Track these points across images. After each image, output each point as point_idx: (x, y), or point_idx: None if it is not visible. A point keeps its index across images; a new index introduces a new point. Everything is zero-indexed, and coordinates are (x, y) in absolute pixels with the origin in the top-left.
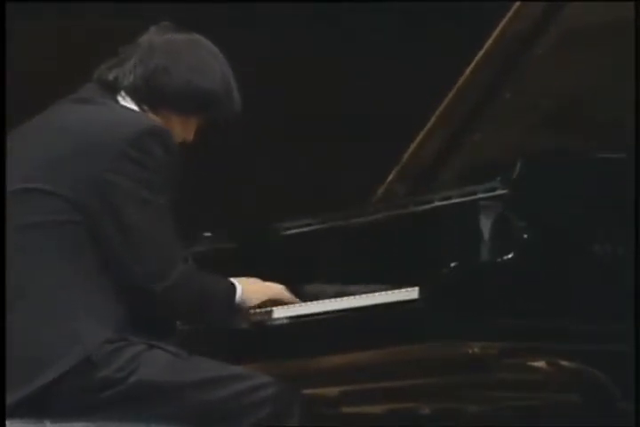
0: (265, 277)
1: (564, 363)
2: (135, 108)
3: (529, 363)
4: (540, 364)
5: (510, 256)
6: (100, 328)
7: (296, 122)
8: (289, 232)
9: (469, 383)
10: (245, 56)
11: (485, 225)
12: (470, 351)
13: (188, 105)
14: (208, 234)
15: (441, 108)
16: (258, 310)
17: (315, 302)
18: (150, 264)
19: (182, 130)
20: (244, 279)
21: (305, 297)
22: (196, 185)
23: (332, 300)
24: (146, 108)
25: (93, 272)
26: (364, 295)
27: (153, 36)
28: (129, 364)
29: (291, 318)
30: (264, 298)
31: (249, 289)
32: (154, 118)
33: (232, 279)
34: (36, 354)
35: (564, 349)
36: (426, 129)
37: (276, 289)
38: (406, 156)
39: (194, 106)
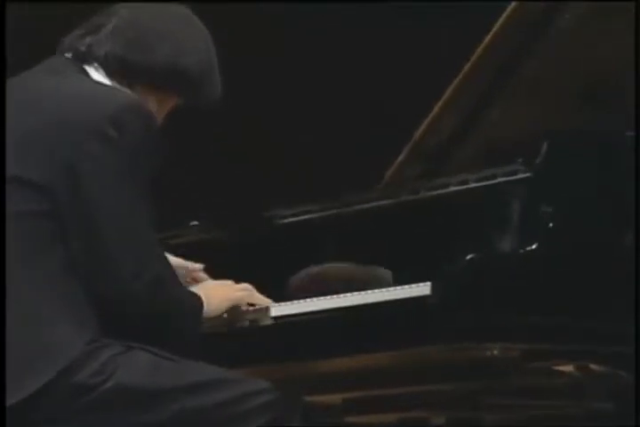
0: (258, 271)
1: (595, 367)
2: (107, 81)
3: (555, 367)
4: (568, 368)
5: (534, 247)
6: (78, 331)
7: (292, 98)
8: (285, 221)
9: (487, 390)
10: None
11: (506, 213)
12: (489, 354)
13: (170, 84)
14: (194, 223)
15: (456, 81)
16: (251, 308)
17: (314, 300)
18: (124, 263)
19: (157, 110)
20: (204, 285)
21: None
22: (180, 169)
23: (334, 297)
24: (120, 82)
25: (68, 268)
26: (369, 292)
27: (135, 5)
28: (105, 367)
29: (288, 316)
30: (226, 304)
31: (208, 295)
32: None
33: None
34: (10, 366)
35: (594, 351)
36: (440, 104)
37: (238, 292)
38: (417, 134)
39: (176, 85)
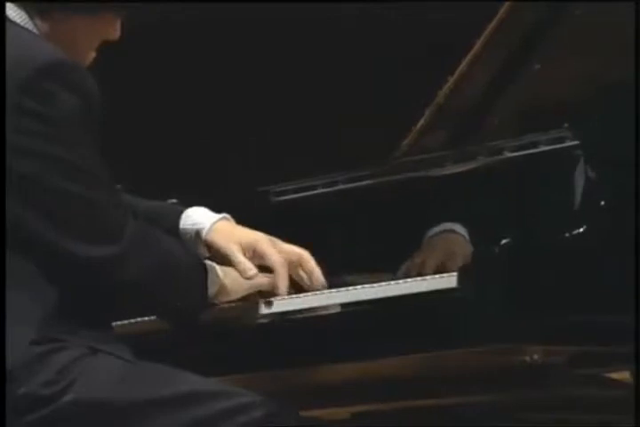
0: None
1: None
2: (23, 18)
3: (607, 374)
4: (623, 375)
5: (581, 230)
6: (21, 326)
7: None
8: (282, 198)
9: (528, 401)
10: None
11: (548, 189)
12: (528, 359)
13: None
14: (173, 201)
15: (488, 30)
16: (242, 304)
17: (317, 293)
18: (87, 229)
19: (93, 33)
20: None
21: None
22: (157, 138)
23: (341, 290)
24: (34, 13)
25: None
26: (383, 284)
27: None
28: (62, 375)
29: (287, 313)
30: (248, 291)
31: (231, 276)
32: (52, 33)
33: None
34: None
35: None
36: (468, 58)
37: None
38: (441, 95)
39: None
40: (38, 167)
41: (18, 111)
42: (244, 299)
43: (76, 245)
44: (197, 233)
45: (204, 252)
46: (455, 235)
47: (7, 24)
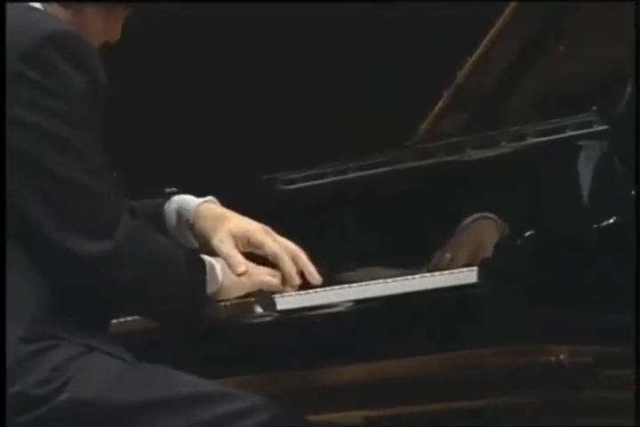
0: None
1: None
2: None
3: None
4: None
5: (611, 221)
6: (11, 322)
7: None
8: (290, 187)
9: (553, 405)
10: None
11: (576, 176)
12: (554, 359)
13: None
14: (172, 189)
15: (511, 7)
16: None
17: (327, 290)
18: (83, 221)
19: (104, 26)
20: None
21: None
22: (153, 122)
23: (352, 286)
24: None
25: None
26: (398, 279)
27: None
28: (56, 375)
29: (294, 311)
30: (250, 289)
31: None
32: (61, 16)
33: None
34: None
35: None
36: (489, 36)
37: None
38: (460, 75)
39: None
40: (35, 142)
41: (21, 81)
42: (248, 295)
43: (71, 238)
44: (180, 217)
45: (191, 241)
46: (487, 221)
47: (18, 6)
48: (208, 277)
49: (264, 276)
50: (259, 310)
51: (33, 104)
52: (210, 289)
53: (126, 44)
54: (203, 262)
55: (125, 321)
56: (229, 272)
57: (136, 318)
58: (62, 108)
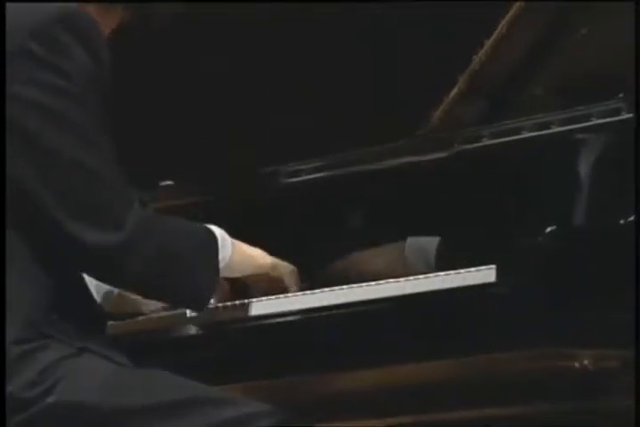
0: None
1: None
2: None
3: None
4: None
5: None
6: (8, 322)
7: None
8: (294, 180)
9: (577, 413)
10: None
11: (601, 168)
12: (577, 365)
13: None
14: (168, 183)
15: None
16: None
17: (335, 289)
18: (93, 209)
19: (100, 24)
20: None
21: (318, 280)
22: (151, 115)
23: (362, 285)
24: None
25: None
26: (411, 278)
27: None
28: (45, 376)
29: (300, 312)
30: (255, 270)
31: (240, 251)
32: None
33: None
34: None
35: None
36: (507, 19)
37: (280, 266)
38: (477, 60)
39: None
40: (40, 122)
41: (26, 58)
42: (248, 296)
43: (82, 228)
44: None
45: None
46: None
47: None
48: (220, 253)
49: (273, 259)
50: (255, 311)
51: (39, 81)
52: (221, 264)
53: (125, 39)
54: (215, 237)
55: (123, 323)
56: (240, 248)
57: (133, 319)
58: (70, 87)
